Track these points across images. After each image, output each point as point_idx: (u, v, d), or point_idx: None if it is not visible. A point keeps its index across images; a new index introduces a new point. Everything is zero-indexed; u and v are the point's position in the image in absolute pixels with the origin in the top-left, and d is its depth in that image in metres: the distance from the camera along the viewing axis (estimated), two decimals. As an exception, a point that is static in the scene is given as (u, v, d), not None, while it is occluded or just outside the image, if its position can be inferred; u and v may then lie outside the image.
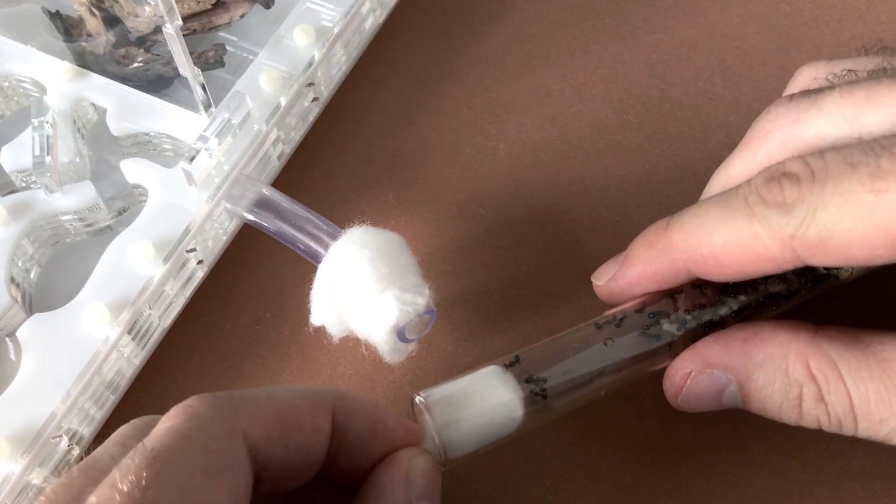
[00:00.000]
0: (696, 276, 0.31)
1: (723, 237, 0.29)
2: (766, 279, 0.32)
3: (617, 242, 0.41)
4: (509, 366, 0.32)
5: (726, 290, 0.32)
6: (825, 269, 0.33)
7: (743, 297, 0.32)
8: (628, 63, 0.48)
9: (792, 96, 0.31)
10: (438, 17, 0.50)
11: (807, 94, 0.31)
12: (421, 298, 0.33)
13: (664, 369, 0.32)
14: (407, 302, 0.33)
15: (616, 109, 0.46)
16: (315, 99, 0.44)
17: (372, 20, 0.47)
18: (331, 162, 0.44)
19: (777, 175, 0.28)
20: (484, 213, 0.43)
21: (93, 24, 0.42)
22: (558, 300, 0.40)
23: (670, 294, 0.33)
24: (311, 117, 0.45)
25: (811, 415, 0.29)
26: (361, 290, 0.33)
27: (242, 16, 0.45)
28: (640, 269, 0.32)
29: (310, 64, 0.42)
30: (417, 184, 0.44)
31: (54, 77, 0.42)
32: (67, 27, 0.42)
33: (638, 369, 0.33)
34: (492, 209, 0.43)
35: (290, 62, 0.42)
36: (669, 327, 0.32)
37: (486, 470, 0.36)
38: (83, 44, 0.42)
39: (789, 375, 0.29)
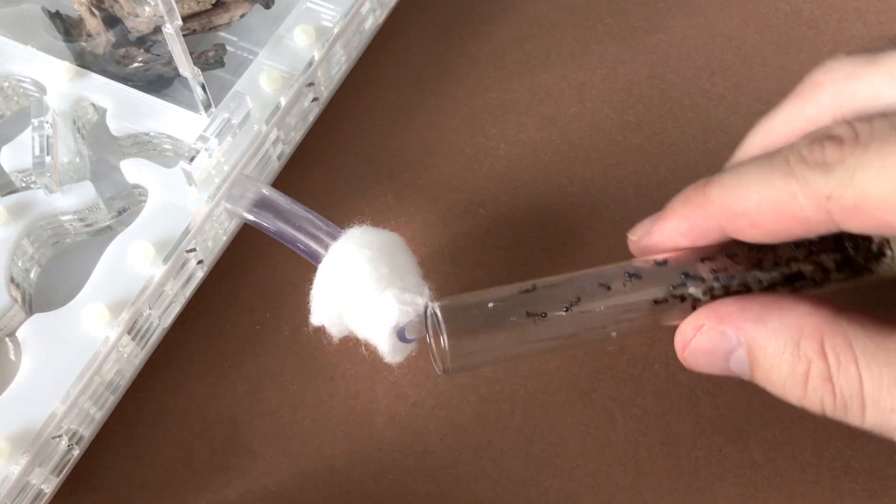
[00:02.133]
0: (730, 236, 0.30)
1: (759, 195, 0.28)
2: (801, 261, 0.31)
3: (617, 242, 0.41)
4: (525, 293, 0.31)
5: (759, 264, 0.31)
6: (864, 259, 0.32)
7: (775, 274, 0.31)
8: (628, 63, 0.48)
9: (850, 51, 0.30)
10: (438, 17, 0.50)
11: (865, 50, 0.30)
12: (421, 298, 0.33)
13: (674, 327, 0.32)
14: (407, 302, 0.33)
15: (616, 109, 0.46)
16: (315, 99, 0.44)
17: (372, 20, 0.47)
18: (331, 162, 0.44)
19: (821, 137, 0.27)
20: (484, 213, 0.43)
21: (93, 24, 0.42)
22: (558, 300, 0.40)
23: (702, 258, 0.32)
24: (311, 117, 0.45)
25: (816, 394, 0.28)
26: (361, 290, 0.33)
27: (242, 16, 0.45)
28: (675, 223, 0.32)
29: (310, 64, 0.42)
30: (417, 184, 0.44)
31: (54, 77, 0.42)
32: (67, 27, 0.42)
33: (651, 319, 0.32)
34: (492, 209, 0.43)
35: (290, 62, 0.42)
36: (695, 290, 0.31)
37: (487, 469, 0.36)
38: (83, 44, 0.42)
39: (800, 348, 0.28)
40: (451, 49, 0.49)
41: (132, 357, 0.37)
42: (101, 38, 0.42)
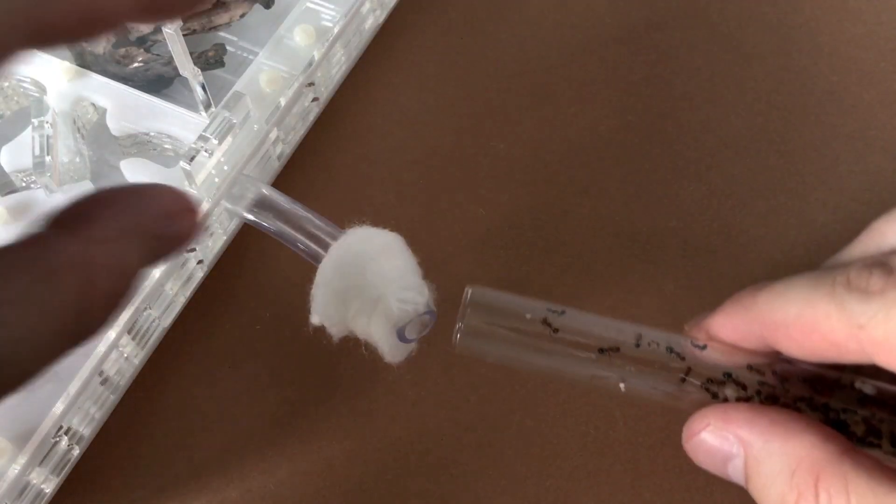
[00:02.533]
0: (769, 345, 0.30)
1: (797, 309, 0.28)
2: (853, 413, 0.30)
3: (617, 242, 0.42)
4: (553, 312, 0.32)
5: (808, 399, 0.30)
6: None
7: (819, 415, 0.30)
8: (628, 63, 0.48)
9: None
10: (439, 17, 0.50)
11: None
12: (421, 298, 0.33)
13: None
14: (407, 301, 0.33)
15: (616, 109, 0.46)
16: (315, 99, 0.44)
17: (372, 20, 0.48)
18: (331, 162, 0.44)
19: (873, 264, 0.27)
20: (484, 213, 0.43)
21: (93, 24, 0.42)
22: (558, 300, 0.40)
23: (751, 366, 0.32)
24: (311, 117, 0.45)
25: None
26: (361, 289, 0.33)
27: (242, 15, 0.45)
28: (723, 320, 0.31)
29: (310, 64, 0.42)
30: (417, 184, 0.44)
31: (54, 77, 0.42)
32: (67, 27, 0.42)
33: (669, 396, 0.32)
34: (492, 209, 0.43)
35: (290, 62, 0.42)
36: (731, 393, 0.31)
37: (487, 469, 0.36)
38: (83, 44, 0.42)
39: (794, 478, 0.27)
40: (451, 49, 0.49)
41: (132, 357, 0.37)
42: (100, 39, 0.42)
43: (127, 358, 0.37)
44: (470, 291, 0.32)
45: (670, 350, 0.31)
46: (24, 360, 0.22)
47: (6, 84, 0.43)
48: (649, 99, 0.46)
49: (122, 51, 0.42)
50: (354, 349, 0.38)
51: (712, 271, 0.41)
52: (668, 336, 0.31)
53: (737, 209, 0.43)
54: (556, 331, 0.31)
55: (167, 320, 0.39)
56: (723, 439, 0.29)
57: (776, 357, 0.31)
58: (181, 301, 0.39)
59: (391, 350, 0.34)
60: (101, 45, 0.42)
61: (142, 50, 0.42)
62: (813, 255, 0.42)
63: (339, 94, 0.47)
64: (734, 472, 0.29)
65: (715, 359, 0.31)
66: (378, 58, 0.48)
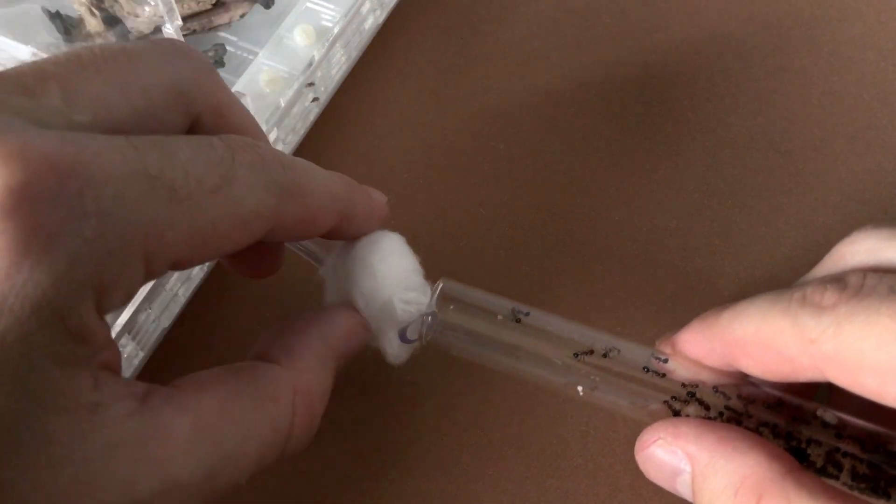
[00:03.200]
0: (731, 364, 0.30)
1: (755, 325, 0.28)
2: (819, 444, 0.30)
3: (617, 242, 0.42)
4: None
5: (772, 425, 0.30)
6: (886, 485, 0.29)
7: (780, 442, 0.30)
8: (628, 63, 0.48)
9: (878, 224, 0.30)
10: (438, 17, 0.50)
11: (889, 227, 0.29)
12: (423, 298, 0.33)
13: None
14: (410, 303, 0.33)
15: (616, 109, 0.46)
16: (315, 99, 0.44)
17: (372, 20, 0.48)
18: (331, 162, 0.44)
19: (829, 279, 0.27)
20: (484, 213, 0.43)
21: (93, 24, 0.42)
22: (558, 300, 0.40)
23: (716, 388, 0.31)
24: (311, 117, 0.45)
25: None
26: (364, 291, 0.33)
27: (242, 16, 0.45)
28: (687, 336, 0.31)
29: (310, 64, 0.42)
30: (417, 184, 0.44)
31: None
32: (67, 27, 0.42)
33: (628, 406, 0.32)
34: (492, 209, 0.43)
35: (290, 62, 0.42)
36: (693, 411, 0.31)
37: (487, 470, 0.36)
38: (83, 43, 0.42)
39: (737, 496, 0.27)
40: (451, 49, 0.49)
41: (132, 357, 0.37)
42: (101, 39, 0.42)
43: (127, 358, 0.37)
44: (441, 284, 0.33)
45: (645, 368, 0.31)
46: (233, 474, 0.26)
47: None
48: (649, 99, 0.46)
49: (123, 51, 0.42)
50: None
51: (712, 271, 0.41)
52: (633, 347, 0.32)
53: (737, 209, 0.43)
54: (518, 321, 0.32)
55: (167, 320, 0.39)
56: (672, 454, 0.29)
57: (741, 378, 0.31)
58: (181, 301, 0.39)
59: (394, 351, 0.34)
60: (101, 45, 0.42)
61: (142, 50, 0.42)
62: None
63: (339, 94, 0.47)
64: (682, 488, 0.29)
65: (678, 373, 0.31)
66: (378, 58, 0.48)
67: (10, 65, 0.41)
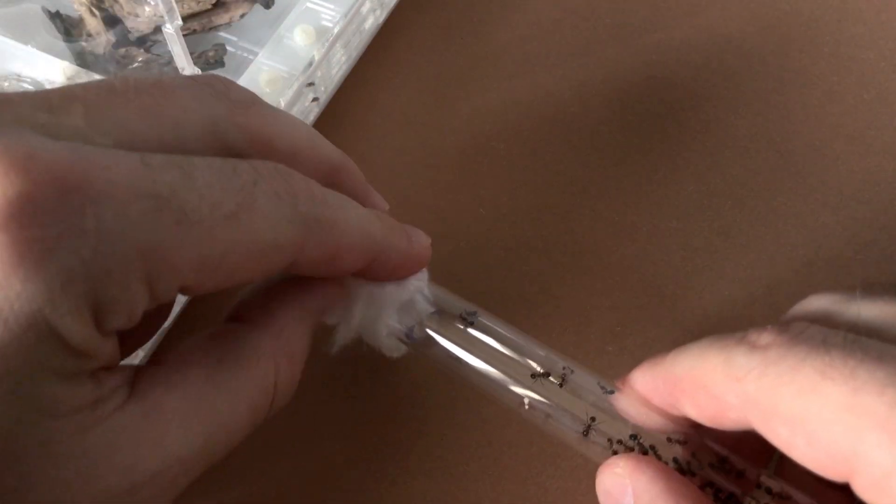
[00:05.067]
0: (673, 405, 0.29)
1: (692, 362, 0.27)
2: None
3: (616, 242, 0.42)
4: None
5: (714, 485, 0.30)
6: None
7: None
8: (628, 63, 0.48)
9: (832, 290, 0.29)
10: (438, 17, 0.50)
11: (847, 292, 0.28)
12: (428, 298, 0.33)
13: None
14: (416, 302, 0.33)
15: (616, 110, 0.46)
16: (315, 99, 0.44)
17: (372, 20, 0.48)
18: (331, 162, 0.44)
19: (773, 325, 0.26)
20: (484, 212, 0.43)
21: (93, 24, 0.42)
22: (558, 300, 0.40)
23: (669, 438, 0.31)
24: (312, 117, 0.45)
25: None
26: (373, 291, 0.33)
27: (242, 16, 0.45)
28: (637, 375, 0.31)
29: (310, 64, 0.42)
30: (417, 184, 0.44)
31: (55, 77, 0.41)
32: (67, 27, 0.42)
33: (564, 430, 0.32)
34: (492, 209, 0.43)
35: (290, 62, 0.42)
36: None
37: (487, 469, 0.36)
38: (83, 44, 0.42)
39: None
40: (451, 49, 0.49)
41: (132, 358, 0.37)
42: (101, 38, 0.42)
43: (128, 357, 0.37)
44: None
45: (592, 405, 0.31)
46: (228, 440, 0.27)
47: (6, 84, 0.43)
48: (649, 99, 0.46)
49: (123, 51, 0.42)
50: (355, 350, 0.38)
51: (712, 272, 0.41)
52: (585, 374, 0.32)
53: (737, 209, 0.43)
54: (471, 323, 0.32)
55: (169, 317, 0.39)
56: (621, 488, 0.29)
57: (686, 423, 0.30)
58: (182, 300, 0.39)
59: (393, 348, 0.34)
60: (101, 45, 0.42)
61: (142, 50, 0.43)
62: (813, 255, 0.42)
63: (339, 94, 0.47)
64: None
65: (622, 408, 0.31)
66: (378, 58, 0.48)
67: (9, 65, 0.42)
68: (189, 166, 0.24)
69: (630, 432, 0.30)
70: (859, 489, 0.23)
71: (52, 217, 0.21)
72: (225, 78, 0.29)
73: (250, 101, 0.28)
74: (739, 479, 0.29)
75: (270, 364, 0.28)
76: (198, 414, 0.25)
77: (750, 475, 0.29)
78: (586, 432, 0.31)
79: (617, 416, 0.31)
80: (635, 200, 0.43)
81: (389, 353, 0.35)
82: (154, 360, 0.25)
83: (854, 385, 0.23)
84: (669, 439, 0.30)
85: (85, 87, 0.25)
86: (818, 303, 0.29)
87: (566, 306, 0.40)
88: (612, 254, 0.41)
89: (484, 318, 0.33)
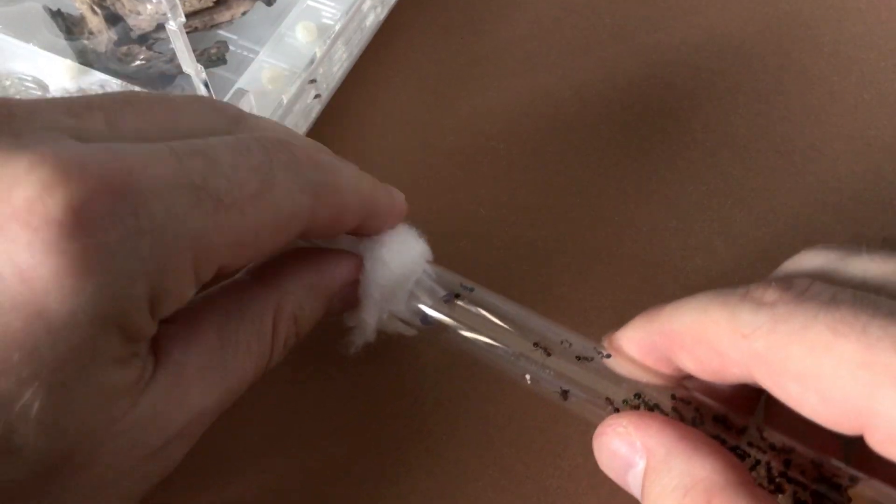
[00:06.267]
0: (669, 360, 0.30)
1: (693, 317, 0.28)
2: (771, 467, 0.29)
3: (616, 242, 0.42)
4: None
5: (720, 436, 0.30)
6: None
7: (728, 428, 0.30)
8: (628, 63, 0.48)
9: (827, 245, 0.29)
10: (439, 16, 0.50)
11: (842, 246, 0.29)
12: (441, 283, 0.34)
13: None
14: (432, 288, 0.34)
15: (616, 109, 0.46)
16: (317, 96, 0.44)
17: (373, 17, 0.48)
18: (331, 160, 0.45)
19: (774, 279, 0.27)
20: (484, 212, 0.43)
21: (94, 22, 0.42)
22: (558, 300, 0.40)
23: (673, 395, 0.31)
24: (314, 115, 0.45)
25: None
26: (395, 280, 0.34)
27: (244, 13, 0.45)
28: (630, 332, 0.31)
29: (311, 61, 0.42)
30: (417, 183, 0.44)
31: (56, 75, 0.42)
32: (69, 25, 0.42)
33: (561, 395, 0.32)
34: (492, 209, 0.43)
35: (292, 60, 0.43)
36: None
37: (488, 468, 0.36)
38: (85, 42, 0.42)
39: (686, 497, 0.26)
40: (451, 48, 0.49)
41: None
42: (102, 36, 0.42)
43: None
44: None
45: (580, 357, 0.32)
46: (239, 389, 0.29)
47: (8, 83, 0.43)
48: (649, 99, 0.46)
49: (125, 48, 0.42)
50: (355, 348, 0.39)
51: (712, 271, 0.41)
52: (581, 340, 0.32)
53: (736, 209, 0.43)
54: (457, 296, 0.33)
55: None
56: (629, 444, 0.29)
57: (675, 380, 0.30)
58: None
59: (405, 330, 0.35)
60: (102, 43, 0.42)
61: (144, 48, 0.43)
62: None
63: (340, 92, 0.47)
64: (633, 481, 0.29)
65: (620, 370, 0.31)
66: (378, 56, 0.48)
67: (11, 63, 0.42)
68: (211, 151, 0.25)
69: (634, 391, 0.31)
70: (874, 443, 0.23)
71: (111, 221, 0.22)
72: (219, 100, 0.31)
73: (240, 115, 0.30)
74: (740, 434, 0.29)
75: (269, 322, 0.30)
76: (212, 368, 0.27)
77: (750, 427, 0.29)
78: (610, 403, 0.31)
79: (619, 379, 0.31)
80: (635, 200, 0.43)
81: (404, 332, 0.36)
82: (167, 317, 0.26)
83: (867, 341, 0.23)
84: (674, 396, 0.30)
85: (101, 97, 0.26)
86: (813, 261, 0.29)
87: (566, 306, 0.40)
88: (612, 254, 0.42)
89: (483, 293, 0.34)
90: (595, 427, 0.30)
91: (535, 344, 0.32)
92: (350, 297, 0.34)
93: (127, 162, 0.23)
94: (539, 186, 0.44)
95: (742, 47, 0.48)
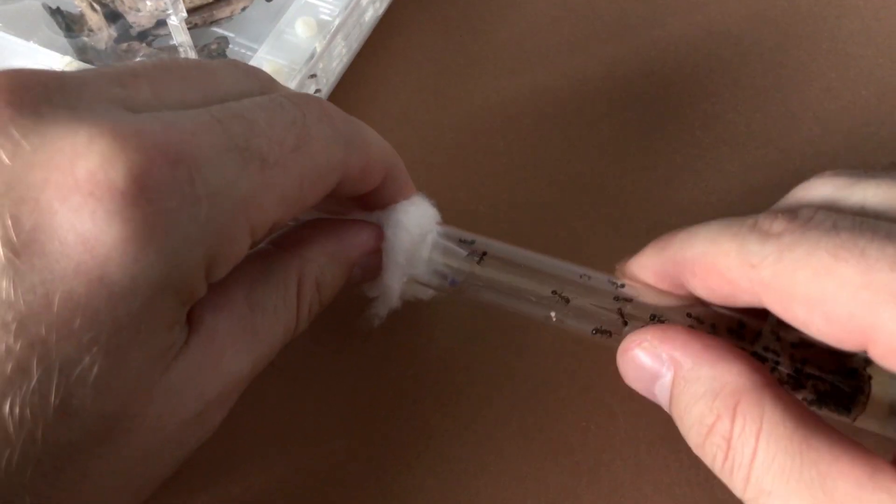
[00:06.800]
0: (681, 285, 0.31)
1: (704, 247, 0.29)
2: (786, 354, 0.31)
3: (616, 240, 0.42)
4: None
5: (738, 332, 0.31)
6: (847, 400, 0.30)
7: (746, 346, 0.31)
8: (627, 61, 0.48)
9: (836, 171, 0.30)
10: (437, 13, 0.50)
11: (851, 171, 0.30)
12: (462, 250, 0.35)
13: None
14: (448, 247, 0.35)
15: (615, 107, 0.46)
16: (317, 90, 0.44)
17: (371, 12, 0.48)
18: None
19: (780, 209, 0.27)
20: (483, 210, 0.43)
21: (94, 19, 0.42)
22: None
23: (689, 313, 0.32)
24: (313, 112, 0.45)
25: (711, 448, 0.28)
26: (418, 245, 0.35)
27: (244, 9, 0.45)
28: (643, 260, 0.33)
29: (311, 56, 0.42)
30: (417, 182, 0.43)
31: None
32: (69, 23, 0.42)
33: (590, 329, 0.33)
34: (491, 206, 0.43)
35: (291, 55, 0.43)
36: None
37: (488, 465, 0.36)
38: (85, 39, 0.42)
39: (716, 401, 0.28)
40: (450, 47, 0.49)
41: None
42: (102, 34, 0.42)
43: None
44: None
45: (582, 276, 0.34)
46: (269, 354, 0.30)
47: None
48: (648, 96, 0.47)
49: (125, 45, 0.42)
50: (354, 347, 0.39)
51: (711, 268, 0.41)
52: (598, 274, 0.34)
53: (735, 206, 0.43)
54: (483, 256, 0.34)
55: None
56: (655, 357, 0.30)
57: (694, 300, 0.32)
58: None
59: (427, 294, 0.37)
60: (102, 41, 0.42)
61: (144, 45, 0.42)
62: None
63: (339, 89, 0.47)
64: (660, 392, 0.30)
65: (636, 297, 0.33)
66: (377, 54, 0.48)
67: (11, 61, 0.42)
68: (248, 112, 0.26)
69: (650, 313, 0.32)
70: (877, 356, 0.25)
71: (169, 189, 0.23)
72: (249, 64, 0.32)
73: (272, 79, 0.31)
74: (755, 340, 0.31)
75: (293, 287, 0.31)
76: (243, 333, 0.28)
77: (765, 331, 0.31)
78: (623, 321, 0.33)
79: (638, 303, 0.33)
80: (634, 197, 0.43)
81: (422, 297, 0.38)
82: None
83: (866, 264, 0.24)
84: (689, 315, 0.32)
85: (143, 65, 0.27)
86: (823, 187, 0.30)
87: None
88: (611, 250, 0.42)
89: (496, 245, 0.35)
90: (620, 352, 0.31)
91: (553, 292, 0.33)
92: (370, 267, 0.34)
93: (179, 131, 0.24)
94: (538, 184, 0.44)
95: (740, 44, 0.49)
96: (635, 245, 0.42)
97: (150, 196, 0.23)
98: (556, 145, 0.45)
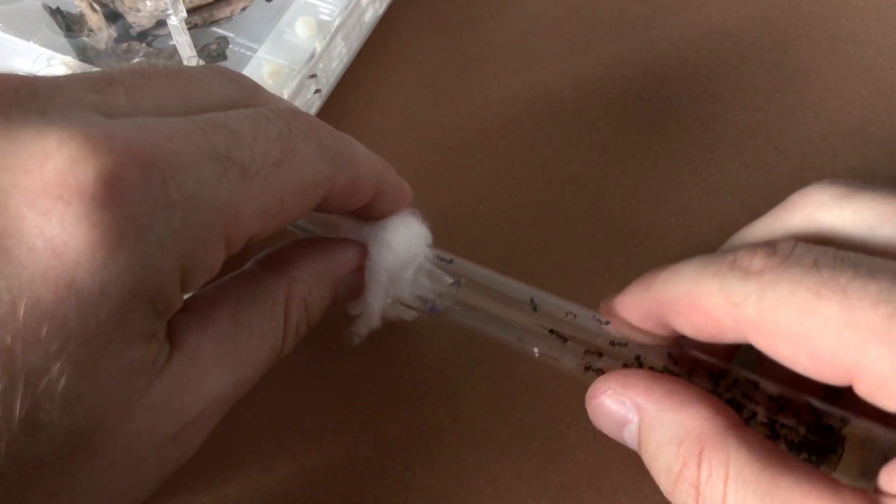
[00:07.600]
0: (665, 324, 0.31)
1: (686, 286, 0.29)
2: (762, 405, 0.31)
3: (616, 240, 0.42)
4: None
5: (715, 381, 0.31)
6: (821, 451, 0.30)
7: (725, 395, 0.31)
8: (626, 61, 0.48)
9: (834, 180, 0.31)
10: (437, 14, 0.50)
11: (849, 182, 0.30)
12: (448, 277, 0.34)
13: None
14: (440, 275, 0.34)
15: (614, 107, 0.46)
16: (317, 91, 0.44)
17: (371, 12, 0.48)
18: (331, 157, 0.45)
19: (759, 245, 0.28)
20: (483, 210, 0.43)
21: (94, 19, 0.42)
22: (557, 296, 0.40)
23: (669, 354, 0.32)
24: (314, 110, 0.45)
25: (681, 496, 0.28)
26: (401, 267, 0.34)
27: (244, 9, 0.45)
28: (626, 299, 0.32)
29: (311, 56, 0.42)
30: (417, 181, 0.43)
31: (56, 72, 0.41)
32: (69, 23, 0.42)
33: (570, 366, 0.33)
34: (491, 207, 0.43)
35: (291, 55, 0.43)
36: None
37: (488, 465, 0.36)
38: (85, 39, 0.42)
39: (681, 448, 0.28)
40: (450, 47, 0.49)
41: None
42: (102, 34, 0.42)
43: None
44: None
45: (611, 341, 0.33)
46: (253, 376, 0.29)
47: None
48: (648, 96, 0.47)
49: (125, 45, 0.42)
50: (354, 346, 0.39)
51: (711, 268, 0.41)
52: (582, 310, 0.33)
53: (735, 206, 0.43)
54: (459, 282, 0.34)
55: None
56: (620, 404, 0.30)
57: (676, 339, 0.32)
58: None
59: (410, 315, 0.36)
60: (102, 41, 0.42)
61: (144, 45, 0.42)
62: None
63: (339, 89, 0.47)
64: (629, 437, 0.30)
65: (617, 334, 0.32)
66: (377, 54, 0.48)
67: (11, 61, 0.42)
68: (232, 122, 0.25)
69: (634, 354, 0.32)
70: (862, 392, 0.25)
71: (141, 194, 0.22)
72: (233, 70, 0.31)
73: (256, 87, 0.31)
74: (734, 385, 0.31)
75: (280, 308, 0.30)
76: (227, 354, 0.28)
77: (744, 378, 0.31)
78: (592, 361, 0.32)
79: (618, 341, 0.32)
80: (635, 197, 0.43)
81: (405, 317, 0.37)
82: (181, 306, 0.27)
83: (848, 302, 0.24)
84: (670, 355, 0.32)
85: (121, 71, 0.26)
86: (818, 195, 0.30)
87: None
88: (611, 251, 0.42)
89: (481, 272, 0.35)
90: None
91: (551, 331, 0.33)
92: (354, 285, 0.34)
93: (154, 135, 0.23)
94: (538, 183, 0.44)
95: (740, 44, 0.49)
96: (636, 245, 0.42)
97: (120, 200, 0.22)
98: (556, 145, 0.45)
